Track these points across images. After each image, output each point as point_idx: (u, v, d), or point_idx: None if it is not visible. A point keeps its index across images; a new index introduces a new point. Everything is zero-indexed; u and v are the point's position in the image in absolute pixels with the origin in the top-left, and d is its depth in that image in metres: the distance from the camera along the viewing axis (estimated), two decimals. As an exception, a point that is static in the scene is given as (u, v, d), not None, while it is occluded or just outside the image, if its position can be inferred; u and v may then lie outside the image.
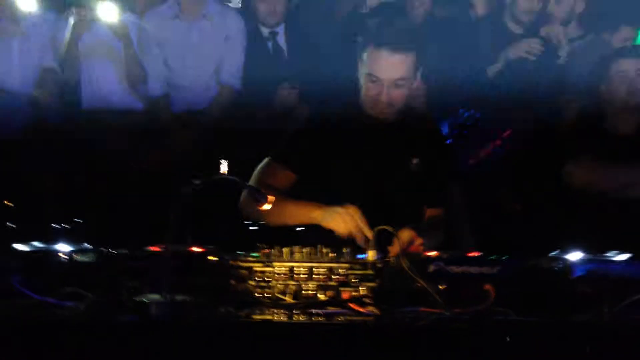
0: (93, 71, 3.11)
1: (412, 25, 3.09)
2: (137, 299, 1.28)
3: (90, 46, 3.04)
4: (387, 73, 1.97)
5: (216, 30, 3.15)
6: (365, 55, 1.99)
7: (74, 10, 2.83)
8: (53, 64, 3.06)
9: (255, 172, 2.07)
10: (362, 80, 2.02)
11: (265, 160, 2.09)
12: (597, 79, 3.03)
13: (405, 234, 1.78)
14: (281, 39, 3.26)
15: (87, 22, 2.85)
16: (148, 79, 3.08)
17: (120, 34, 2.92)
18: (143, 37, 3.07)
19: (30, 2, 2.88)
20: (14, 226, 2.53)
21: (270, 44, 3.25)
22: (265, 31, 3.24)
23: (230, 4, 3.30)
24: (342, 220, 1.81)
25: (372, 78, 1.98)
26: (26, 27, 3.01)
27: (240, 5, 3.37)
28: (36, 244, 1.64)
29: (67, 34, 2.91)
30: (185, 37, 3.15)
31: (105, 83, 3.11)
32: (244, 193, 1.97)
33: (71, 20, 2.87)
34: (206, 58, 3.17)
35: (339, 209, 1.83)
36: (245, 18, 3.23)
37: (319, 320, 1.28)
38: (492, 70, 3.19)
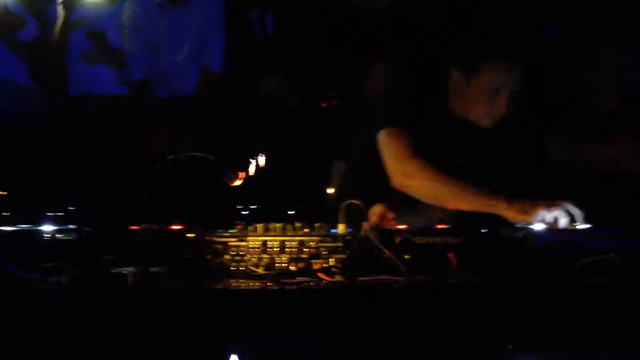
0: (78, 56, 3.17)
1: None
2: (114, 271, 1.35)
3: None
4: (511, 86, 1.94)
5: (197, 16, 3.19)
6: (480, 67, 1.93)
7: None
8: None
9: (388, 150, 1.96)
10: (474, 91, 1.96)
11: (384, 133, 1.99)
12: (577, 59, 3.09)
13: (377, 209, 1.84)
14: (270, 23, 3.30)
15: (73, 6, 2.91)
16: (131, 63, 3.14)
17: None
18: (125, 21, 3.13)
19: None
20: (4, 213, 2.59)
21: (258, 27, 3.29)
22: (254, 14, 3.28)
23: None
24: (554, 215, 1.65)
25: (491, 90, 1.94)
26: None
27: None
28: (22, 225, 1.71)
29: (58, 19, 2.96)
30: (167, 23, 3.19)
31: (92, 68, 3.18)
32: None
33: (59, 7, 2.92)
34: (188, 43, 3.22)
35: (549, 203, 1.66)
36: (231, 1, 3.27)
37: (288, 289, 1.35)
38: None
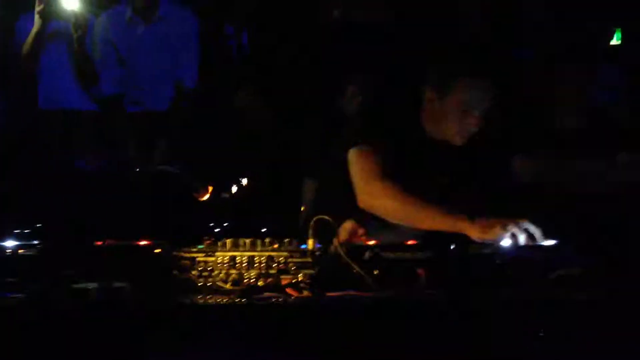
0: (50, 69, 3.12)
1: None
2: (76, 286, 1.32)
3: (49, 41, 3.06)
4: (483, 103, 1.94)
5: (171, 31, 3.18)
6: (454, 85, 1.94)
7: (36, 4, 2.86)
8: None
9: (355, 169, 1.97)
10: (444, 108, 1.96)
11: (353, 151, 1.99)
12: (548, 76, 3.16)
13: (347, 225, 1.84)
14: (246, 38, 3.30)
15: (50, 15, 2.88)
16: (101, 79, 3.10)
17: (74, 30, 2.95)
18: (97, 37, 3.10)
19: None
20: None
21: (234, 42, 3.30)
22: (230, 29, 3.28)
23: (185, 5, 3.32)
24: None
25: (464, 108, 1.94)
26: None
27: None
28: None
29: (32, 29, 2.93)
30: (139, 39, 3.18)
31: (62, 81, 3.13)
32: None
33: (36, 16, 2.89)
34: (161, 59, 3.20)
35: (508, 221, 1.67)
36: (206, 15, 3.26)
37: (255, 304, 1.34)
38: None
